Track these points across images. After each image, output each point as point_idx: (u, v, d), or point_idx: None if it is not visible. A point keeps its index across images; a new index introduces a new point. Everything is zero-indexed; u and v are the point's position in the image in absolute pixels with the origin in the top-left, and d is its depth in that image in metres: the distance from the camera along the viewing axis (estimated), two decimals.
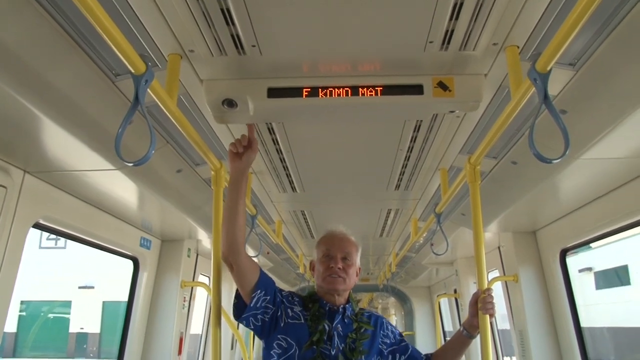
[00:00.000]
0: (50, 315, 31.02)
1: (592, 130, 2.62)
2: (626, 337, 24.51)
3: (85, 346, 30.81)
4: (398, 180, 4.21)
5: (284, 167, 3.82)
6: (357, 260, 2.62)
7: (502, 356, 6.64)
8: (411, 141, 3.38)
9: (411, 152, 3.57)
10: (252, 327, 2.45)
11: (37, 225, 3.32)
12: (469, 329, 2.54)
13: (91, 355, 29.85)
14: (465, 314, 6.65)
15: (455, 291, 7.76)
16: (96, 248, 4.20)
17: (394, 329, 2.67)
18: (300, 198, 4.73)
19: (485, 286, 2.60)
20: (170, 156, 3.27)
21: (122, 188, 3.55)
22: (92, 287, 30.58)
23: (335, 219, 5.69)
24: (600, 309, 25.36)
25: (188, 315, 5.28)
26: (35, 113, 2.22)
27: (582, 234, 4.34)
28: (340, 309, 2.51)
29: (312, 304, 2.53)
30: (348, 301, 2.58)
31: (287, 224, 5.85)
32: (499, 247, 5.50)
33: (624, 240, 24.12)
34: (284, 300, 2.52)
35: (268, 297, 2.43)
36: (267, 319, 2.44)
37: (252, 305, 2.40)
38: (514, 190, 3.78)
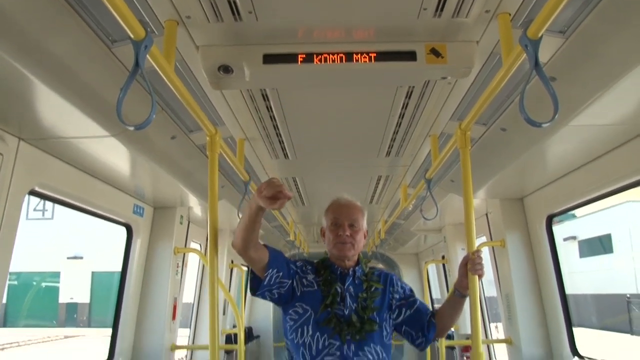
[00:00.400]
0: (40, 286, 31.11)
1: (580, 96, 2.68)
2: (608, 303, 25.07)
3: (75, 316, 31.04)
4: (389, 147, 4.26)
5: (276, 133, 3.86)
6: (364, 224, 2.73)
7: (489, 323, 6.80)
8: (403, 108, 3.43)
9: (402, 118, 3.62)
10: (269, 299, 2.61)
11: (32, 192, 3.35)
12: (460, 289, 2.64)
13: (81, 324, 30.03)
14: (453, 279, 6.77)
15: (443, 257, 7.87)
16: (90, 215, 4.24)
17: (404, 285, 2.79)
18: (292, 165, 4.78)
19: (474, 249, 2.70)
20: (165, 123, 3.29)
21: (116, 155, 3.58)
22: (81, 258, 30.64)
23: (326, 186, 5.75)
24: (583, 277, 25.90)
25: (181, 282, 5.35)
26: (30, 79, 2.24)
27: (569, 201, 4.43)
28: (351, 272, 2.66)
29: (323, 270, 2.67)
30: (358, 263, 2.72)
31: None
32: (486, 214, 5.60)
33: (608, 210, 24.54)
34: (298, 270, 2.67)
35: (281, 273, 2.57)
36: (283, 292, 2.59)
37: (265, 283, 2.54)
38: (503, 157, 3.85)
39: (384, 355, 2.59)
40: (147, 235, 4.98)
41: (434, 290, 9.70)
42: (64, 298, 31.15)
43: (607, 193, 4.00)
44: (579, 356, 4.69)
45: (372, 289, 2.66)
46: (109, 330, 4.83)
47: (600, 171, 3.79)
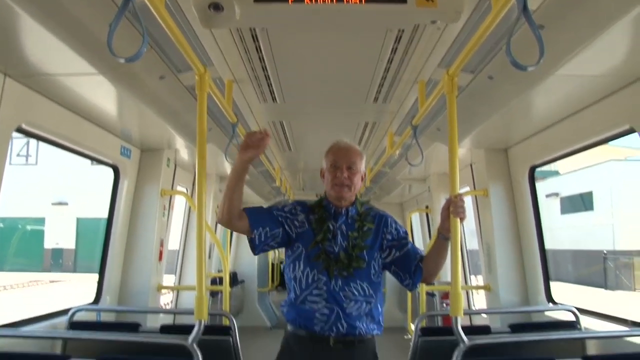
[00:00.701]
0: (25, 231, 31.12)
1: (568, 45, 2.71)
2: (585, 259, 25.66)
3: (60, 261, 31.18)
4: (377, 92, 4.28)
5: (265, 75, 3.86)
6: (362, 167, 2.82)
7: (470, 274, 6.98)
8: (392, 52, 3.44)
9: (391, 63, 3.63)
10: (272, 250, 2.88)
11: (19, 130, 3.35)
12: (443, 232, 2.71)
13: (67, 270, 30.20)
14: (436, 228, 6.89)
15: (426, 207, 7.99)
16: (78, 155, 4.25)
17: (399, 227, 2.87)
18: (280, 108, 4.79)
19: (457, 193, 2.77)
20: (154, 62, 3.27)
21: (104, 95, 3.58)
22: (66, 204, 30.56)
23: (313, 131, 5.78)
24: (563, 233, 26.41)
25: (167, 224, 5.42)
26: (17, 12, 2.22)
27: (552, 152, 4.52)
28: (344, 211, 2.76)
29: (318, 209, 2.79)
30: (354, 204, 2.81)
31: None
32: (470, 165, 5.69)
33: (591, 168, 24.84)
34: (287, 215, 2.77)
35: (268, 228, 2.69)
36: (279, 241, 2.73)
37: (257, 243, 2.68)
38: (489, 105, 3.89)
39: (371, 291, 2.70)
40: (134, 178, 5.01)
41: (417, 240, 9.86)
42: (49, 243, 31.25)
43: (590, 145, 4.08)
44: (554, 302, 4.87)
45: (365, 228, 2.76)
46: (95, 276, 4.91)
47: (583, 123, 3.86)
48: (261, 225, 2.67)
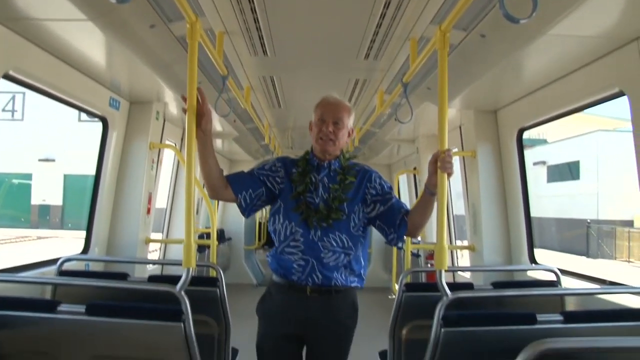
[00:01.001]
0: (11, 187, 30.93)
1: (561, 3, 2.71)
2: (569, 227, 26.02)
3: (48, 217, 31.11)
4: (368, 49, 4.26)
5: (257, 27, 3.83)
6: (349, 123, 2.86)
7: (455, 239, 7.07)
8: (384, 7, 3.43)
9: (383, 19, 3.61)
10: (260, 209, 2.90)
11: (6, 77, 3.31)
12: (430, 187, 2.74)
13: (54, 226, 30.19)
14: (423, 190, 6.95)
15: (414, 169, 8.04)
16: (66, 105, 4.22)
17: (383, 182, 2.90)
18: (271, 62, 4.76)
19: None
20: (144, 9, 3.22)
21: (93, 43, 3.53)
22: (53, 160, 30.34)
23: (303, 87, 5.76)
24: (548, 201, 26.70)
25: (156, 177, 5.41)
26: None
27: (541, 114, 4.54)
28: (327, 164, 2.82)
29: (302, 162, 2.84)
30: (338, 158, 2.86)
31: (256, 91, 5.89)
32: (459, 127, 5.70)
33: (579, 137, 24.98)
34: (268, 173, 2.83)
35: (250, 190, 2.76)
36: (264, 199, 2.81)
37: (245, 206, 2.77)
38: (480, 64, 3.89)
39: (350, 244, 2.75)
40: (123, 130, 4.98)
41: (404, 201, 9.95)
42: (36, 200, 31.12)
43: (579, 107, 4.10)
44: (536, 263, 4.96)
45: (347, 181, 2.80)
46: (82, 233, 4.92)
47: (573, 86, 3.87)
48: (244, 189, 2.75)
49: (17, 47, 3.24)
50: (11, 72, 3.31)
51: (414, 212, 2.85)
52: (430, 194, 2.73)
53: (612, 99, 3.67)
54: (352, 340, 2.88)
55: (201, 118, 2.59)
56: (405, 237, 2.96)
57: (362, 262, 2.85)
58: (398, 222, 2.80)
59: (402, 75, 4.16)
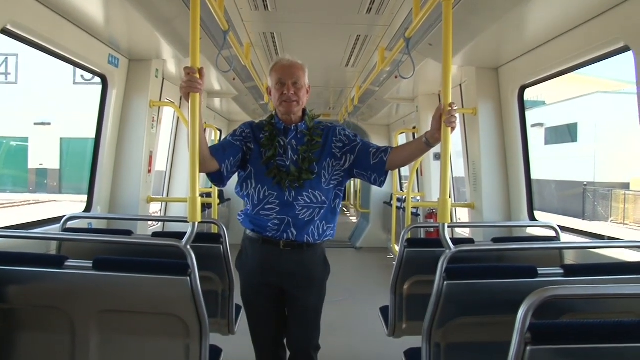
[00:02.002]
0: (8, 151, 30.80)
1: None
2: (565, 189, 26.11)
3: (45, 182, 31.05)
4: (370, 3, 4.21)
5: None
6: (306, 81, 2.91)
7: (455, 201, 7.10)
8: None
9: None
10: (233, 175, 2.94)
11: (4, 31, 3.26)
12: (430, 140, 2.74)
13: (52, 190, 30.16)
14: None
15: (414, 128, 8.03)
16: (65, 62, 4.17)
17: (348, 132, 2.99)
18: (271, 17, 4.71)
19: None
20: None
21: None
22: (49, 124, 30.14)
23: (304, 43, 5.70)
24: (546, 163, 26.71)
25: (156, 137, 5.40)
26: None
27: (543, 71, 4.51)
28: (293, 127, 2.89)
29: (268, 127, 2.92)
30: (303, 119, 2.93)
31: (256, 48, 5.84)
32: (460, 85, 5.67)
33: (578, 99, 24.83)
34: (240, 137, 2.91)
35: (232, 157, 2.84)
36: (241, 164, 2.91)
37: (225, 175, 2.84)
38: (484, 18, 3.84)
39: (323, 198, 2.87)
40: (123, 88, 4.94)
41: None
42: (33, 164, 31.03)
43: (582, 63, 4.06)
44: (536, 220, 5.01)
45: (313, 142, 2.89)
46: (80, 197, 4.91)
47: (577, 41, 3.82)
48: (226, 157, 2.82)
49: (15, 1, 3.19)
50: (9, 27, 3.26)
51: (400, 152, 2.91)
52: (427, 144, 2.75)
53: (617, 54, 3.64)
54: (326, 289, 3.05)
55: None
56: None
57: (337, 210, 2.98)
58: (372, 163, 2.87)
59: (404, 31, 4.12)
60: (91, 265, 2.45)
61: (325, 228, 2.91)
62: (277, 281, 2.89)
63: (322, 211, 2.87)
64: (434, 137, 2.72)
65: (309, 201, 2.83)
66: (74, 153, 28.71)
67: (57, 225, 3.90)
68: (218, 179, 2.86)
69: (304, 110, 2.95)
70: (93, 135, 4.89)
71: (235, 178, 2.98)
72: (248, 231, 2.94)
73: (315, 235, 2.87)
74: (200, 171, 2.63)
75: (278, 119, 2.92)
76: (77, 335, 2.46)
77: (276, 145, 2.86)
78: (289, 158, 2.85)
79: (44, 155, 30.29)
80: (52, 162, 30.67)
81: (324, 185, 2.87)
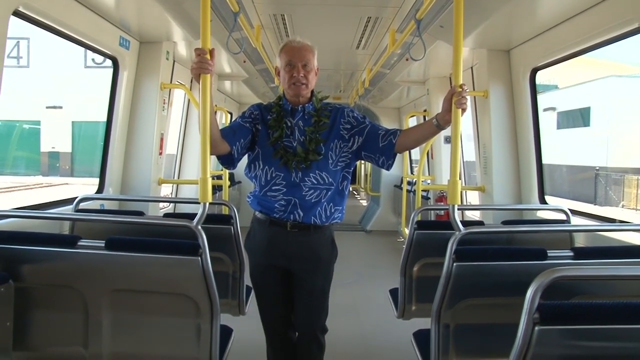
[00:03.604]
0: (20, 135, 30.99)
1: None
2: (577, 174, 25.91)
3: (58, 165, 31.24)
4: None
5: None
6: (315, 63, 2.90)
7: (465, 183, 7.09)
8: None
9: None
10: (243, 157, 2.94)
11: (16, 13, 3.28)
12: (440, 121, 2.74)
13: (64, 173, 30.34)
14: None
15: (425, 111, 8.00)
16: (77, 44, 4.19)
17: (356, 114, 2.97)
18: None
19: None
20: None
21: None
22: (60, 107, 30.26)
23: (315, 25, 5.68)
24: (558, 148, 26.48)
25: (167, 119, 5.42)
26: None
27: (555, 53, 4.46)
28: (300, 108, 2.88)
29: (276, 108, 2.91)
30: (310, 101, 2.92)
31: (266, 30, 5.82)
32: (471, 68, 5.64)
33: (590, 83, 24.52)
34: (249, 119, 2.90)
35: (242, 139, 2.83)
36: (250, 145, 2.90)
37: (236, 157, 2.84)
38: None
39: (330, 179, 2.86)
40: (134, 70, 4.96)
41: None
42: (45, 147, 31.22)
43: (595, 45, 4.01)
44: (546, 204, 5.00)
45: (321, 123, 2.88)
46: (92, 180, 4.95)
47: (589, 23, 3.78)
48: (236, 139, 2.81)
49: None
50: (21, 9, 3.28)
51: (409, 134, 2.90)
52: (437, 126, 2.75)
53: (631, 35, 3.59)
54: (333, 272, 3.05)
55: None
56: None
57: (345, 193, 2.97)
58: (381, 145, 2.86)
59: (415, 12, 4.09)
60: (104, 245, 2.48)
61: (332, 210, 2.90)
62: (284, 263, 2.90)
63: (329, 193, 2.87)
64: (444, 119, 2.71)
65: (315, 182, 2.83)
66: (86, 136, 28.84)
67: (70, 206, 3.94)
68: (229, 161, 2.86)
69: (311, 92, 2.94)
70: (104, 118, 4.92)
71: (245, 160, 2.99)
72: (256, 212, 2.94)
73: (322, 217, 2.86)
74: (211, 154, 2.64)
75: (286, 100, 2.91)
76: (90, 313, 2.50)
77: (283, 127, 2.85)
78: (295, 139, 2.84)
79: (56, 138, 30.45)
80: (64, 145, 30.84)
81: (331, 166, 2.86)
